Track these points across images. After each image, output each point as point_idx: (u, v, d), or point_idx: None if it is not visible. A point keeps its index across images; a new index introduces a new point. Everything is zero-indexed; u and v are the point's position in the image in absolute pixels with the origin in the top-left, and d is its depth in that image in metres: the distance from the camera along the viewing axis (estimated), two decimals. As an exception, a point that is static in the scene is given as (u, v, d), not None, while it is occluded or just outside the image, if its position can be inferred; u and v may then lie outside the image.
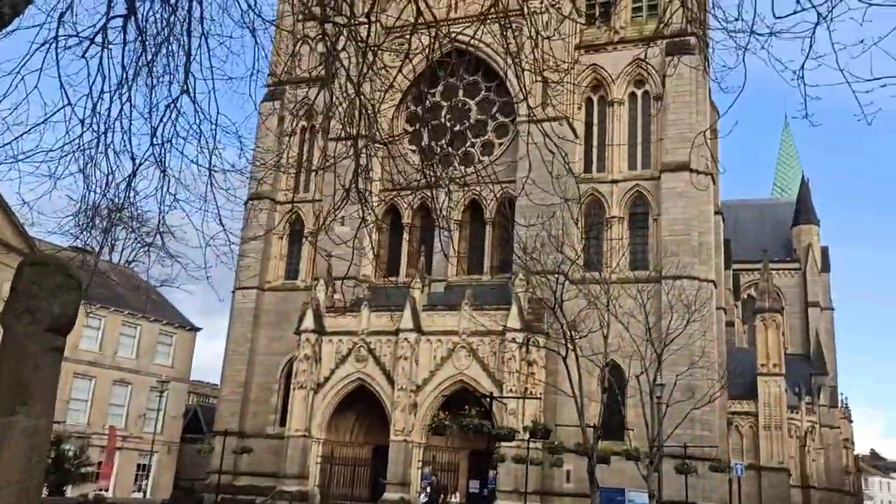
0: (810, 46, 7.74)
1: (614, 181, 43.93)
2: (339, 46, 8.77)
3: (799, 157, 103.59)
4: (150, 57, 7.70)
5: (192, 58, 7.90)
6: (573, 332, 26.24)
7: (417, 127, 46.09)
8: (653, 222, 42.85)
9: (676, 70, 40.31)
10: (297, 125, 46.19)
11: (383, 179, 39.54)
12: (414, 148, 45.16)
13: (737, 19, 8.16)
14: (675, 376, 32.69)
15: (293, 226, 48.63)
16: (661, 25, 43.11)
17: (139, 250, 56.05)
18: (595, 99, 45.96)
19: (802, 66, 7.70)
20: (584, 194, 43.04)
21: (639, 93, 45.16)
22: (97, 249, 12.72)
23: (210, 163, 8.58)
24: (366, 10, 8.55)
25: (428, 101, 48.41)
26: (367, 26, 8.50)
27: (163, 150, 7.75)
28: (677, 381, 32.86)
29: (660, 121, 43.41)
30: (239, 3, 8.24)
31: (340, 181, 9.23)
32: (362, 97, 8.19)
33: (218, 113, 8.97)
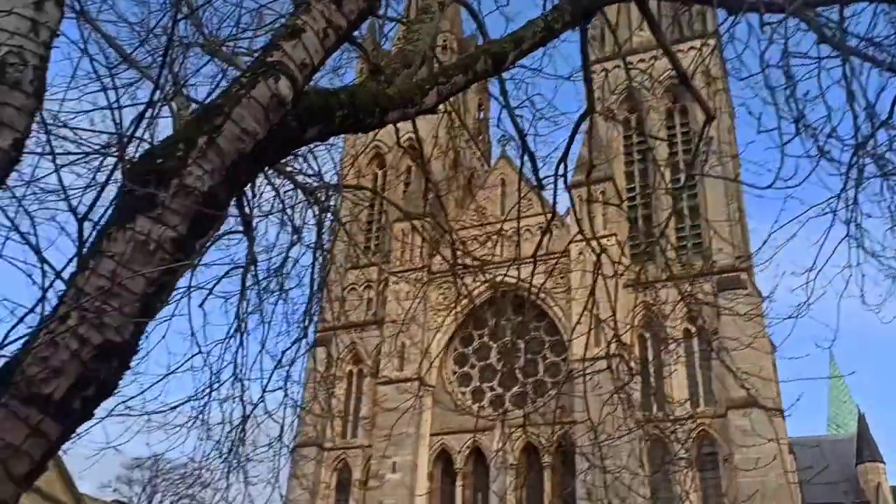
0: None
1: (677, 419, 41.81)
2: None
3: (850, 391, 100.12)
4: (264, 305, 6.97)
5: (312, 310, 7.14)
6: None
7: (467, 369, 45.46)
8: (723, 462, 40.09)
9: (731, 306, 39.74)
10: (345, 369, 45.55)
11: (434, 422, 38.23)
12: (464, 391, 44.04)
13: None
14: None
15: (340, 474, 46.09)
16: (710, 262, 43.60)
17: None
18: (648, 336, 45.12)
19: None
20: (646, 434, 40.78)
21: (693, 328, 44.28)
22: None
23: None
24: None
25: (476, 343, 48.04)
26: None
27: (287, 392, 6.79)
28: None
29: (719, 356, 42.10)
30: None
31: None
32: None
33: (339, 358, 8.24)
